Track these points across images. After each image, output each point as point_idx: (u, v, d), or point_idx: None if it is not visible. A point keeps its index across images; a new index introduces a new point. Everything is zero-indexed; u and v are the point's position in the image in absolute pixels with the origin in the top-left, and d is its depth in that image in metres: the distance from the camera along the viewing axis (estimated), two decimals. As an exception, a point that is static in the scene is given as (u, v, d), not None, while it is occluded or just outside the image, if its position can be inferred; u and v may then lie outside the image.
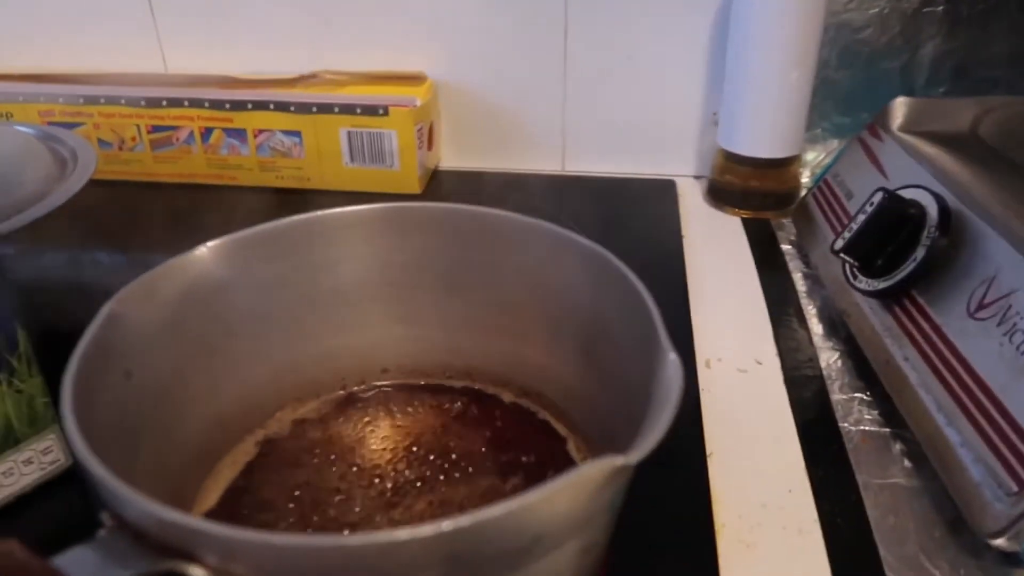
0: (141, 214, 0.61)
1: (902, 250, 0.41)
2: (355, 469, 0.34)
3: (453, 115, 0.69)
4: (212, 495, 0.32)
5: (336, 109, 0.61)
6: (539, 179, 0.69)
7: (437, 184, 0.67)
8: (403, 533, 0.20)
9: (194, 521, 0.20)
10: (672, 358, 0.26)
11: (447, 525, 0.20)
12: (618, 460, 0.22)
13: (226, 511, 0.32)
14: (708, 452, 0.37)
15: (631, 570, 0.31)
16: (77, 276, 0.56)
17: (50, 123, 0.62)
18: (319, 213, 0.35)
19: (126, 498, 0.21)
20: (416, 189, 0.64)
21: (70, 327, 0.50)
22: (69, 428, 0.23)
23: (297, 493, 0.33)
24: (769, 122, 0.59)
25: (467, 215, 0.36)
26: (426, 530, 0.20)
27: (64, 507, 0.34)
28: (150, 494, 0.21)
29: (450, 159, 0.71)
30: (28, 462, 0.34)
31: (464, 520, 0.20)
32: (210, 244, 0.33)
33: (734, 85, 0.60)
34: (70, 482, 0.35)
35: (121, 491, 0.21)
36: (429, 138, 0.65)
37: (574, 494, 0.22)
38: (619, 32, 0.64)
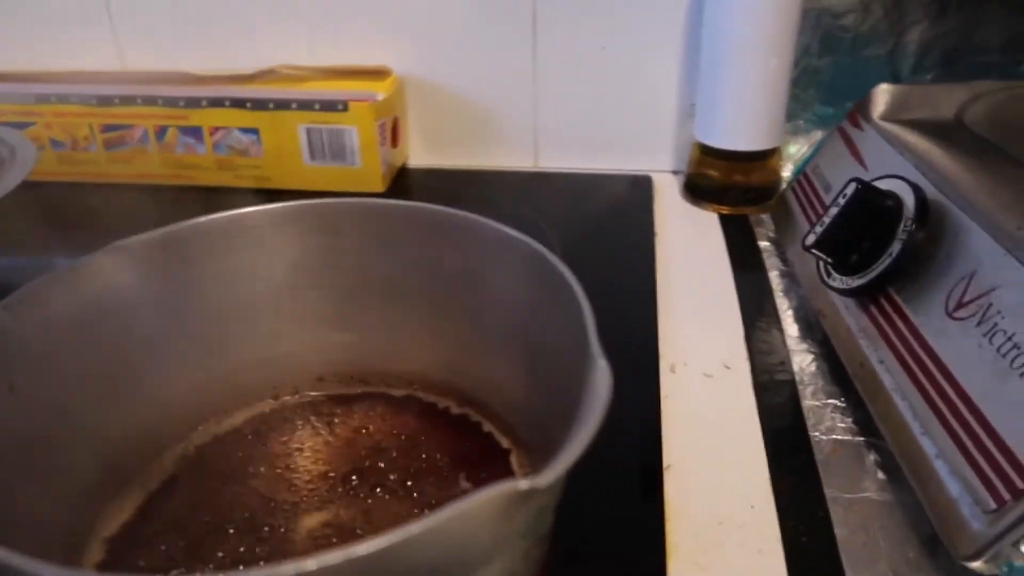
0: (85, 216, 0.58)
1: (878, 245, 0.38)
2: (284, 482, 0.31)
3: (421, 110, 0.66)
4: (117, 519, 0.30)
5: (294, 105, 0.58)
6: (511, 176, 0.66)
7: (404, 182, 0.65)
8: (265, 571, 0.17)
9: (29, 562, 0.18)
10: (601, 365, 0.23)
11: (314, 563, 0.17)
12: (522, 484, 0.19)
13: (132, 536, 0.29)
14: (665, 464, 0.35)
15: (571, 597, 0.29)
16: None
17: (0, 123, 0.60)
18: (238, 211, 0.33)
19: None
20: (380, 187, 0.61)
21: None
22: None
23: (208, 518, 0.30)
24: (747, 113, 0.57)
25: (402, 211, 0.34)
26: (289, 570, 0.17)
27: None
28: (38, 522, 0.19)
29: (419, 156, 0.68)
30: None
31: (336, 556, 0.17)
32: (114, 246, 0.30)
33: (710, 74, 0.57)
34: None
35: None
36: (393, 134, 0.63)
37: (470, 523, 0.19)
38: (590, 22, 0.61)
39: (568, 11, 0.61)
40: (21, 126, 0.60)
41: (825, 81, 0.61)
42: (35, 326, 0.28)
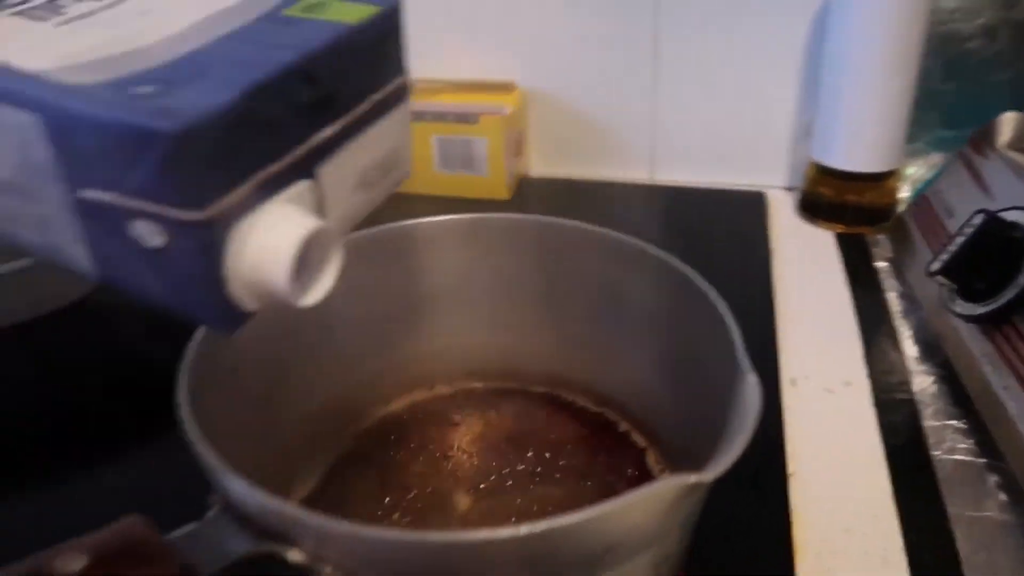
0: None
1: (1004, 275, 0.39)
2: (443, 464, 0.35)
3: (541, 122, 0.70)
4: (308, 484, 0.34)
5: (428, 116, 0.63)
6: (626, 188, 0.69)
7: (524, 191, 0.68)
8: (482, 534, 0.21)
9: (294, 509, 0.22)
10: (751, 379, 0.26)
11: (524, 530, 0.21)
12: (692, 478, 0.22)
13: (321, 499, 0.34)
14: (790, 471, 0.37)
15: (706, 585, 0.31)
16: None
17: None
18: (415, 221, 0.37)
19: (234, 485, 0.23)
20: (504, 195, 0.65)
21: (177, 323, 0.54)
22: (185, 416, 0.25)
23: (385, 485, 0.34)
24: (866, 134, 0.58)
25: (553, 227, 0.37)
26: (504, 533, 0.21)
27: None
28: (253, 481, 0.23)
29: (538, 166, 0.72)
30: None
31: (540, 526, 0.21)
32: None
33: (830, 94, 0.58)
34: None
35: (230, 479, 0.23)
36: (518, 145, 0.66)
37: (648, 508, 0.22)
38: (712, 40, 0.63)
39: (690, 27, 0.63)
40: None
41: (947, 105, 0.61)
42: (258, 315, 0.32)
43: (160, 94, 0.19)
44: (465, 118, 0.62)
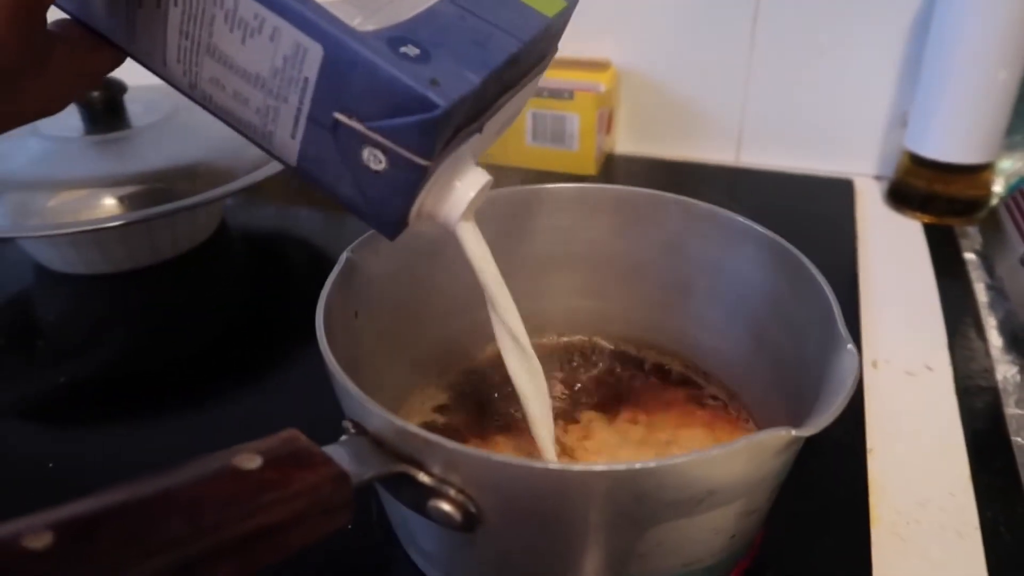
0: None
1: (1102, 268, 0.39)
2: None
3: (630, 100, 0.71)
4: (419, 414, 0.37)
5: (524, 91, 0.65)
6: (711, 169, 0.70)
7: (611, 167, 0.70)
8: (599, 466, 0.23)
9: (425, 433, 0.24)
10: (850, 348, 0.28)
11: (639, 465, 0.23)
12: (792, 432, 0.24)
13: (435, 428, 0.37)
14: (868, 447, 0.38)
15: (785, 544, 0.33)
16: (285, 227, 0.64)
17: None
18: (529, 187, 0.39)
19: (371, 410, 0.25)
20: (592, 171, 0.67)
21: (286, 265, 0.58)
22: (324, 350, 0.28)
23: (493, 419, 0.37)
24: (966, 125, 0.57)
25: (651, 199, 0.39)
26: (620, 467, 0.23)
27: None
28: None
29: (624, 144, 0.73)
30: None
31: (652, 463, 0.23)
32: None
33: (931, 83, 0.58)
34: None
35: (368, 404, 0.25)
36: (608, 123, 0.68)
37: (748, 457, 0.24)
38: (811, 23, 0.63)
39: (791, 11, 0.63)
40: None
41: (1050, 98, 0.60)
42: (371, 267, 0.35)
43: (423, 59, 0.24)
44: (559, 94, 0.64)
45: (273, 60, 0.24)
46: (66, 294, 0.55)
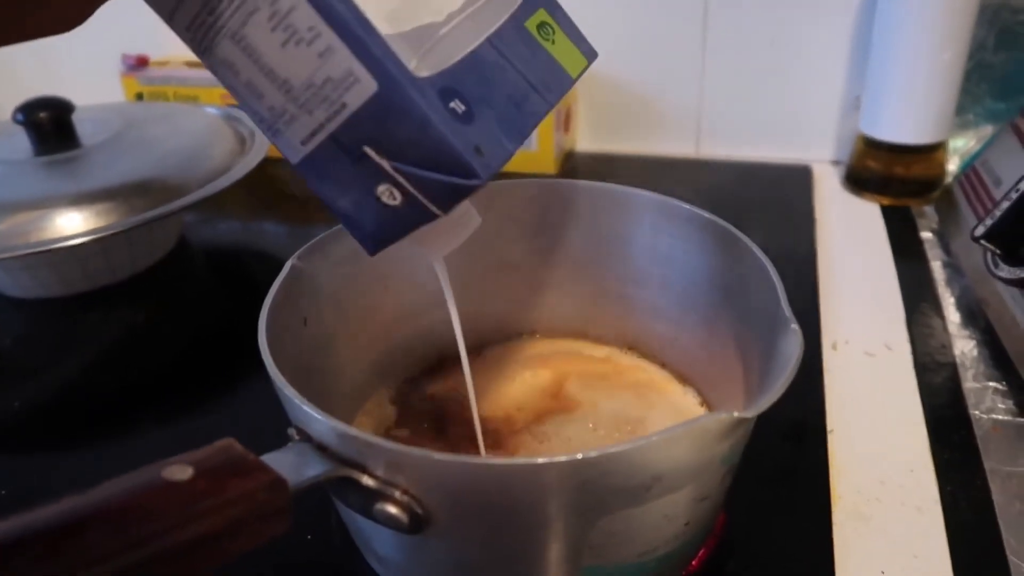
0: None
1: (1049, 239, 0.40)
2: (498, 404, 0.38)
3: (588, 98, 0.71)
4: (365, 429, 0.37)
5: (480, 93, 0.65)
6: (672, 162, 0.70)
7: (571, 165, 0.70)
8: (542, 459, 0.23)
9: (368, 436, 0.24)
10: (793, 328, 0.28)
11: (580, 455, 0.23)
12: (734, 414, 0.24)
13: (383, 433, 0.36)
14: (829, 428, 0.38)
15: (747, 528, 0.33)
16: (249, 241, 0.63)
17: (231, 105, 0.70)
18: (506, 182, 0.39)
19: (311, 414, 0.25)
20: (552, 170, 0.67)
21: (249, 279, 0.57)
22: (266, 358, 0.27)
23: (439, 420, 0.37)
24: (916, 106, 0.58)
25: (603, 192, 0.39)
26: (561, 457, 0.23)
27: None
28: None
29: (584, 141, 0.73)
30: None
31: (594, 452, 0.23)
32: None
33: (879, 66, 0.59)
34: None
35: (309, 411, 0.25)
36: (566, 121, 0.68)
37: (693, 440, 0.24)
38: (762, 13, 0.64)
39: (739, 5, 0.64)
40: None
41: (999, 76, 0.61)
42: (318, 272, 0.35)
43: (468, 119, 0.23)
44: (514, 93, 0.64)
45: (313, 75, 0.23)
46: (22, 318, 0.54)
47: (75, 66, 0.79)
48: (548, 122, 0.64)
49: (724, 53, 0.66)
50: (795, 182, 0.64)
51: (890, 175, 0.61)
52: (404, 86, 0.22)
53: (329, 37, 0.22)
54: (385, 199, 0.24)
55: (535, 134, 0.65)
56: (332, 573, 0.33)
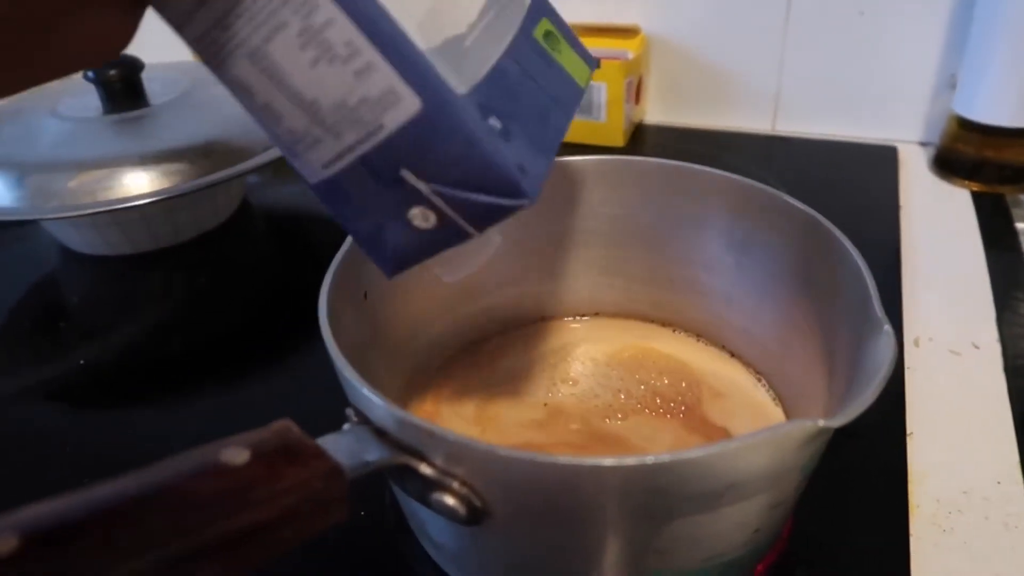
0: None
1: None
2: (558, 388, 0.37)
3: (661, 68, 0.68)
4: (428, 404, 0.36)
5: (549, 60, 0.63)
6: (746, 138, 0.67)
7: (640, 138, 0.67)
8: (610, 461, 0.22)
9: (427, 424, 0.23)
10: (886, 330, 0.26)
11: (651, 459, 0.21)
12: (819, 422, 0.22)
13: (438, 414, 0.36)
14: (908, 431, 0.36)
15: (815, 536, 0.31)
16: (311, 206, 0.63)
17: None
18: (580, 158, 0.37)
19: (371, 399, 0.24)
20: (620, 142, 0.64)
21: (309, 245, 0.57)
22: (326, 335, 0.27)
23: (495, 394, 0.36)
24: (1019, 86, 0.54)
25: (676, 171, 0.37)
26: (631, 461, 0.21)
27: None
28: (381, 387, 0.24)
29: (654, 113, 0.70)
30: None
31: (666, 457, 0.21)
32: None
33: (981, 42, 0.54)
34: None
35: (370, 394, 0.24)
36: (637, 92, 0.65)
37: (772, 449, 0.23)
38: (850, -16, 0.60)
39: (828, -27, 0.60)
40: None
41: (1114, 55, 0.56)
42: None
43: (505, 136, 0.22)
44: (584, 61, 0.62)
45: (347, 96, 0.21)
46: (89, 276, 0.55)
47: (144, 24, 0.79)
48: (618, 92, 0.62)
49: (809, 22, 0.62)
50: (879, 164, 0.61)
51: (983, 159, 0.57)
52: (451, 104, 0.21)
53: (369, 54, 0.21)
54: (417, 222, 0.23)
55: (603, 105, 0.63)
56: (385, 553, 0.32)
